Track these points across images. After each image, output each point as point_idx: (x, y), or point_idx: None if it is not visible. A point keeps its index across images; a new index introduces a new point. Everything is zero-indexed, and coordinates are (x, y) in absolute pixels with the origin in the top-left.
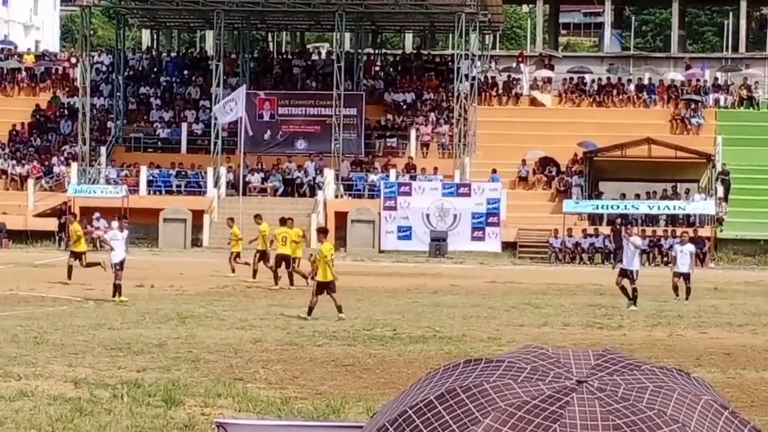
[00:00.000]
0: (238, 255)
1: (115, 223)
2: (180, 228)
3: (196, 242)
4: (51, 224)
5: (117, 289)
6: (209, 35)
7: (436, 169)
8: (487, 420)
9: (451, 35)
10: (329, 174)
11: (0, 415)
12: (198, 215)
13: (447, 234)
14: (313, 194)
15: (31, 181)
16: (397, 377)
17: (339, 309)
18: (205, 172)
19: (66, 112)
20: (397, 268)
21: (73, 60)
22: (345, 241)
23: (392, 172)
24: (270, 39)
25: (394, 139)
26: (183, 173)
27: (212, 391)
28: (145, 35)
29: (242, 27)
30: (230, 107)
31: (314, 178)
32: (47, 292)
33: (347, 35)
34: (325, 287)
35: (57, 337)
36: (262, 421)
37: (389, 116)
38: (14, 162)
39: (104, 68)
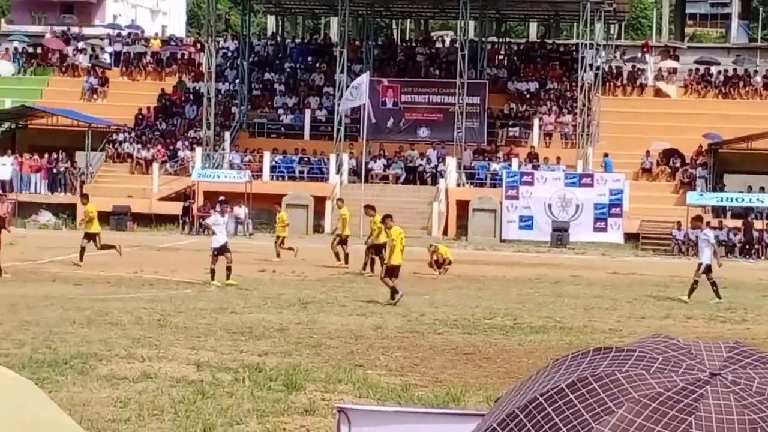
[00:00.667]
0: (283, 240)
1: (219, 208)
2: (302, 214)
3: (318, 228)
4: (175, 208)
5: (212, 273)
6: (334, 22)
7: (558, 158)
8: (621, 410)
9: (575, 24)
10: (451, 162)
11: (124, 396)
12: (320, 201)
13: (569, 224)
14: (434, 182)
15: (155, 165)
16: (518, 367)
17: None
18: (328, 159)
19: (191, 96)
20: (518, 258)
21: (199, 45)
22: (466, 230)
23: (515, 162)
24: (394, 26)
25: (517, 128)
26: (306, 159)
27: (333, 377)
28: (271, 21)
29: (367, 14)
30: (354, 94)
31: (436, 166)
32: (171, 275)
33: (471, 23)
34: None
35: (180, 320)
36: (382, 408)
37: (512, 105)
38: (140, 146)
39: (230, 54)
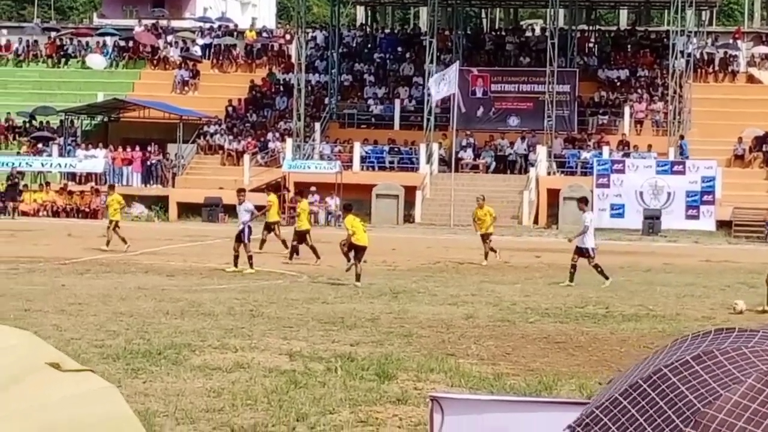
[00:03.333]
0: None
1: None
2: (392, 204)
3: (409, 218)
4: (263, 199)
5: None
6: (423, 12)
7: (650, 146)
8: (750, 380)
9: (666, 11)
10: (541, 151)
11: (217, 386)
12: (410, 191)
13: (660, 212)
14: (525, 171)
15: (246, 157)
16: (610, 355)
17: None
18: (418, 149)
19: (281, 88)
20: (609, 246)
21: (288, 37)
22: (557, 219)
23: (605, 150)
24: (483, 15)
25: (608, 116)
26: (396, 149)
27: (425, 366)
28: (360, 12)
29: (456, 3)
30: (443, 84)
31: (526, 155)
32: (261, 266)
33: (561, 11)
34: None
35: (272, 310)
36: (476, 396)
37: (603, 93)
38: (230, 137)
39: (319, 45)
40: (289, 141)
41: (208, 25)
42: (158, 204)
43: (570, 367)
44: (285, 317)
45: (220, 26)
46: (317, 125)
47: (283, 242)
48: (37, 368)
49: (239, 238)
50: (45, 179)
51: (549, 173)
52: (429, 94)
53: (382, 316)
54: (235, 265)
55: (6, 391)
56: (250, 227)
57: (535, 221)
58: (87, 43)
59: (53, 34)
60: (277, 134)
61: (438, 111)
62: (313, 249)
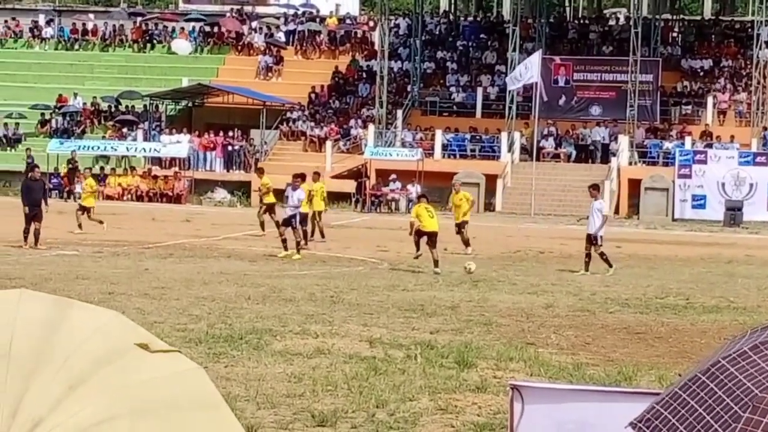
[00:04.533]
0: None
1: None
2: (473, 192)
3: (489, 207)
4: (348, 186)
5: (284, 243)
6: (507, 0)
7: (732, 137)
8: None
9: (751, 1)
10: (623, 140)
11: (298, 371)
12: (491, 180)
13: (742, 203)
14: (606, 161)
15: (329, 143)
16: (690, 346)
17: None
18: (499, 137)
19: (364, 75)
20: (690, 237)
21: (372, 24)
22: (638, 209)
23: (687, 140)
24: (566, 4)
25: (690, 106)
26: (477, 137)
27: (504, 355)
28: (443, 0)
29: None
30: (524, 73)
31: (608, 145)
32: (343, 252)
33: (645, 0)
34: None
35: (352, 297)
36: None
37: (686, 83)
38: (313, 124)
39: (402, 32)
40: (371, 128)
41: (292, 11)
42: (240, 189)
43: (650, 358)
44: (365, 304)
45: (304, 12)
46: (399, 112)
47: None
48: (126, 349)
49: (288, 223)
50: (129, 164)
51: (630, 163)
52: (511, 84)
53: (462, 304)
54: (285, 249)
55: (98, 370)
56: (300, 213)
57: (616, 211)
58: (172, 28)
59: (139, 19)
60: (360, 121)
61: (520, 99)
62: (320, 231)
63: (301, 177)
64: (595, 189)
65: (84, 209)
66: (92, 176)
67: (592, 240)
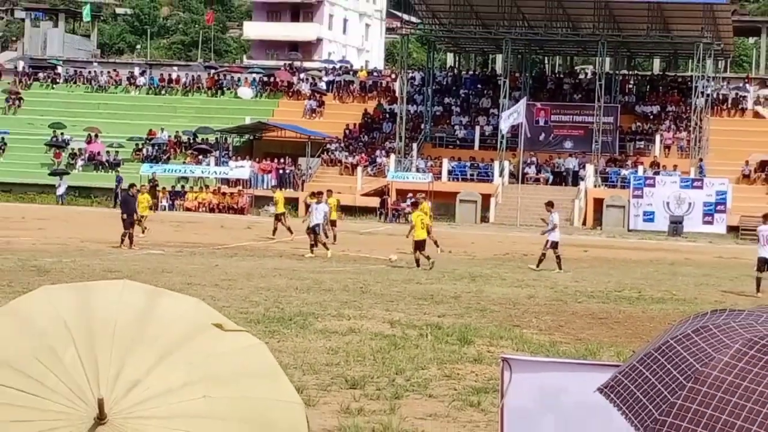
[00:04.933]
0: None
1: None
2: (472, 207)
3: (484, 219)
4: (374, 202)
5: (315, 245)
6: (499, 58)
7: (675, 166)
8: (737, 345)
9: (690, 60)
10: (590, 168)
11: (334, 345)
12: (486, 198)
13: (683, 218)
14: (576, 184)
15: (359, 169)
16: (642, 329)
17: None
18: (493, 165)
19: (387, 115)
20: (641, 244)
21: (394, 76)
22: (601, 222)
23: (640, 168)
24: (546, 62)
25: (642, 142)
26: (475, 165)
27: (496, 334)
28: (450, 57)
29: (525, 52)
30: (513, 116)
31: (577, 172)
32: (370, 253)
33: (607, 59)
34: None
35: (377, 288)
36: (537, 358)
37: (639, 124)
38: (347, 153)
39: (417, 82)
40: (392, 157)
41: (331, 66)
42: (289, 204)
43: (610, 338)
44: (387, 294)
45: (341, 67)
46: (414, 145)
47: (288, 229)
48: (205, 328)
49: (314, 231)
50: (204, 183)
51: (595, 186)
52: (493, 117)
53: (462, 294)
54: (312, 251)
55: (182, 345)
56: (320, 224)
57: (583, 223)
58: (238, 78)
59: (212, 71)
60: (383, 151)
61: (509, 136)
62: (334, 236)
63: (319, 194)
64: (549, 205)
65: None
66: (147, 192)
67: (553, 244)
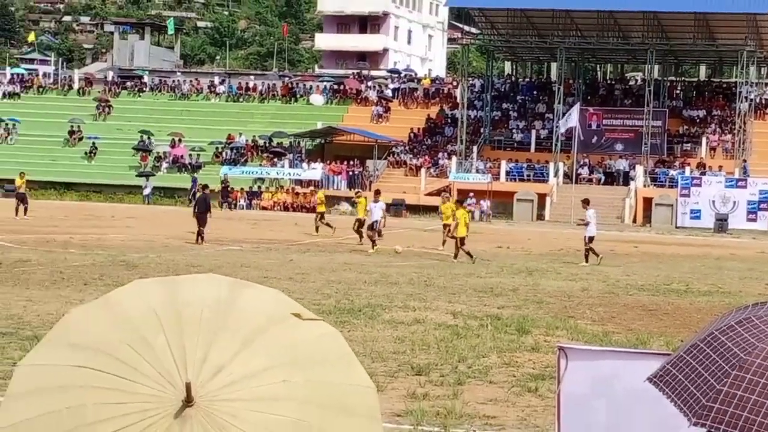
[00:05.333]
0: (322, 216)
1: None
2: (528, 206)
3: (540, 216)
4: (436, 201)
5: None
6: (553, 66)
7: (720, 167)
8: None
9: (734, 67)
10: (639, 169)
11: (401, 335)
12: (542, 197)
13: (728, 216)
14: (626, 184)
15: (423, 170)
16: (689, 320)
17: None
18: (548, 166)
19: (449, 120)
20: (688, 240)
21: (455, 83)
22: (650, 219)
23: (687, 169)
24: (598, 69)
25: (689, 145)
26: (532, 166)
27: (552, 325)
28: (507, 65)
29: (578, 60)
30: (568, 119)
31: (628, 172)
32: (434, 249)
33: (656, 66)
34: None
35: (441, 281)
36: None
37: (686, 127)
38: (411, 156)
39: (477, 89)
40: (454, 159)
41: (396, 74)
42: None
43: (659, 328)
44: (450, 286)
45: (406, 75)
46: (475, 147)
47: (327, 225)
48: (285, 317)
49: (372, 227)
50: (278, 184)
51: (645, 185)
52: (557, 127)
53: (520, 287)
54: (373, 247)
55: (263, 333)
56: (378, 221)
57: (634, 221)
58: (310, 86)
59: (286, 79)
60: (445, 154)
61: (563, 139)
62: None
63: (378, 192)
64: (585, 202)
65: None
66: (219, 192)
67: (589, 239)
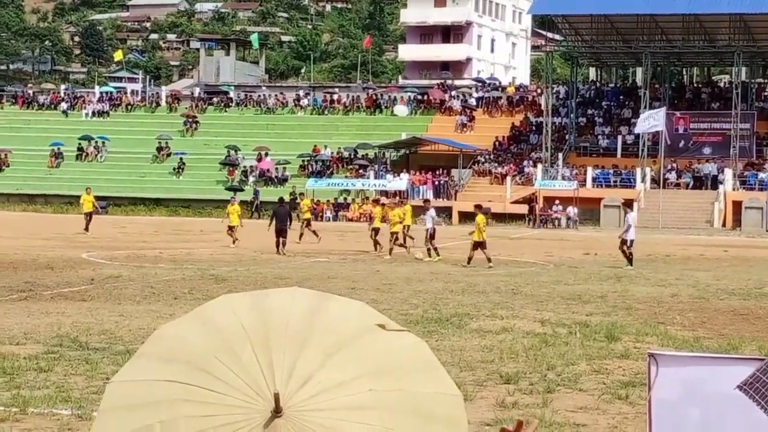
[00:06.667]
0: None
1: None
2: (615, 212)
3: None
4: (522, 209)
5: (434, 250)
6: (638, 70)
7: None
8: None
9: None
10: (728, 172)
11: (489, 344)
12: (628, 203)
13: None
14: (715, 187)
15: (508, 178)
16: None
17: (488, 260)
18: (635, 171)
19: (534, 128)
20: None
21: (539, 90)
22: (740, 223)
23: None
24: (684, 73)
25: None
26: (618, 172)
27: (641, 331)
28: (592, 71)
29: (663, 64)
30: (650, 122)
31: (716, 176)
32: (520, 257)
33: (743, 69)
34: (479, 245)
35: (528, 289)
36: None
37: None
38: (497, 164)
39: (561, 96)
40: (539, 166)
41: (480, 83)
42: (445, 212)
43: (751, 333)
44: (537, 294)
45: (489, 83)
46: (560, 155)
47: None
48: (370, 328)
49: (432, 236)
50: (364, 195)
51: (734, 189)
52: (641, 132)
53: (608, 294)
54: (429, 255)
55: (349, 343)
56: (434, 228)
57: (723, 224)
58: (394, 97)
59: (370, 91)
60: (531, 161)
61: (650, 143)
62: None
63: (428, 200)
64: (627, 206)
65: (230, 228)
66: (238, 204)
67: (630, 243)
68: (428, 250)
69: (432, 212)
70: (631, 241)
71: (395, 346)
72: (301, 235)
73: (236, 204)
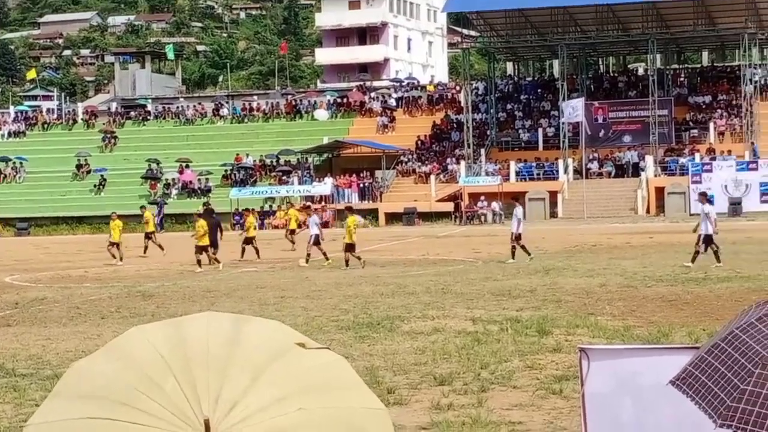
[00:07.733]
0: (293, 232)
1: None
2: (540, 205)
3: (553, 214)
4: (447, 206)
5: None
6: (555, 63)
7: (729, 151)
8: None
9: (737, 50)
10: (649, 159)
11: (421, 345)
12: (553, 195)
13: (741, 199)
14: (637, 175)
15: (432, 177)
16: (710, 309)
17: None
18: (557, 163)
19: (455, 125)
20: None
21: (458, 88)
22: (663, 209)
23: (697, 156)
24: (600, 63)
25: (697, 131)
26: (541, 164)
27: (572, 323)
28: (509, 66)
29: (580, 55)
30: (572, 110)
31: (638, 163)
32: (448, 255)
33: (658, 56)
34: (350, 247)
35: (458, 288)
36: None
37: (692, 114)
38: (420, 163)
39: (480, 92)
40: (462, 163)
41: (399, 83)
42: (370, 214)
43: (680, 319)
44: (467, 292)
45: (408, 83)
46: (482, 150)
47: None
48: (290, 347)
49: (317, 242)
50: (289, 201)
51: (655, 175)
52: (564, 124)
53: (538, 288)
54: (307, 262)
55: (272, 364)
56: (319, 234)
57: (647, 211)
58: (314, 102)
59: (289, 97)
60: (454, 159)
61: (570, 135)
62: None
63: (307, 208)
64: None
65: (111, 244)
66: (119, 220)
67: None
68: (308, 255)
69: (315, 218)
70: (519, 235)
71: (317, 363)
72: (244, 251)
73: (117, 220)
